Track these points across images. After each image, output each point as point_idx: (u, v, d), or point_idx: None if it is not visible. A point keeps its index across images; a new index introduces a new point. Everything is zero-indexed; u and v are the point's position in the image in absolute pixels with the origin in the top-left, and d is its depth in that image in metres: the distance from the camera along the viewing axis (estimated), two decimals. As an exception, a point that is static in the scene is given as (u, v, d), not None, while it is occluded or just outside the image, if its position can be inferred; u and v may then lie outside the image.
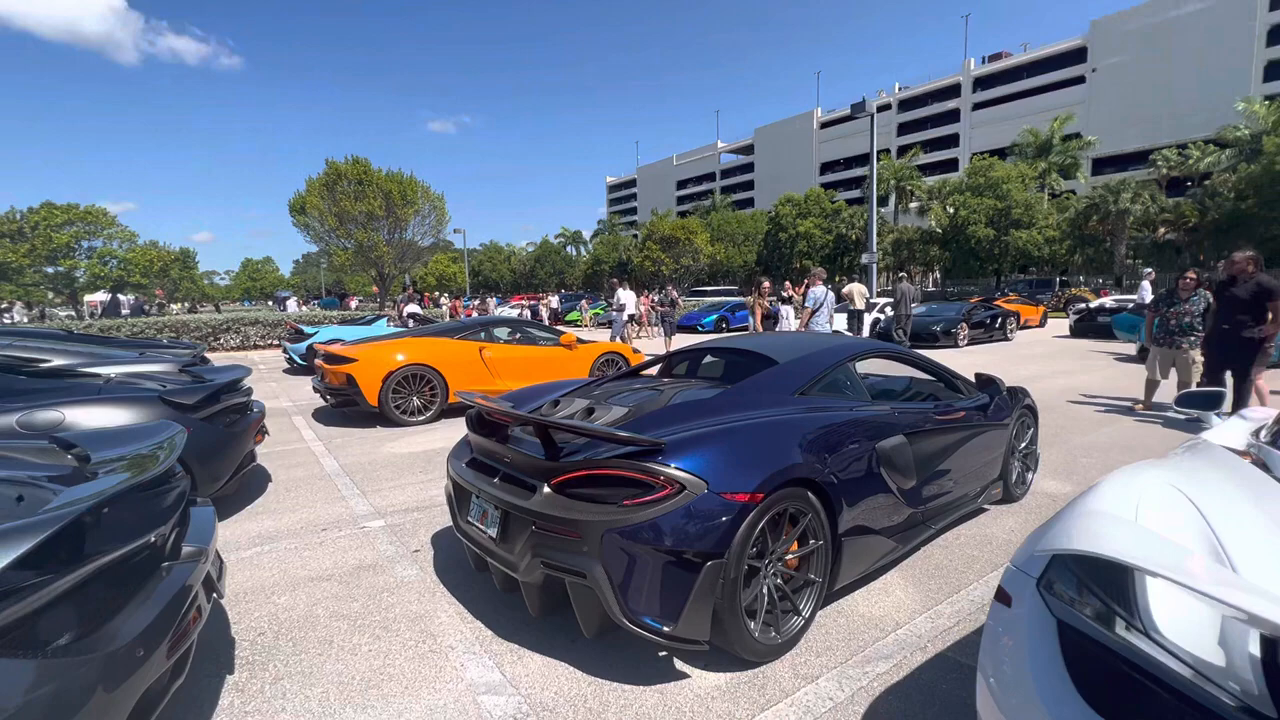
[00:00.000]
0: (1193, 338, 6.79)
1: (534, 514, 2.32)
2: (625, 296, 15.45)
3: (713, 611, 2.17)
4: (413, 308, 17.45)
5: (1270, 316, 5.82)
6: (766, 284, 10.89)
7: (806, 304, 9.80)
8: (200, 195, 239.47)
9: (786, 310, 10.98)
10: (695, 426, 2.51)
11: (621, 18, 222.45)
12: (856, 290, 14.01)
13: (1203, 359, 6.51)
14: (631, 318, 16.45)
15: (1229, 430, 2.41)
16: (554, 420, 2.52)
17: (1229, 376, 6.11)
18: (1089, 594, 1.24)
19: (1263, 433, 2.20)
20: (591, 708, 2.14)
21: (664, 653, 2.43)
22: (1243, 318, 5.93)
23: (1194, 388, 5.37)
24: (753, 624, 2.30)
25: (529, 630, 2.62)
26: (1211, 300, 6.56)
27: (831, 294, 10.01)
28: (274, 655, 2.50)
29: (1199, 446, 2.18)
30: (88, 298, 42.41)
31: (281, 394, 9.41)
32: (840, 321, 12.51)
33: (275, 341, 17.47)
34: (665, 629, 2.13)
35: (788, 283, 12.58)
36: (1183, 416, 6.45)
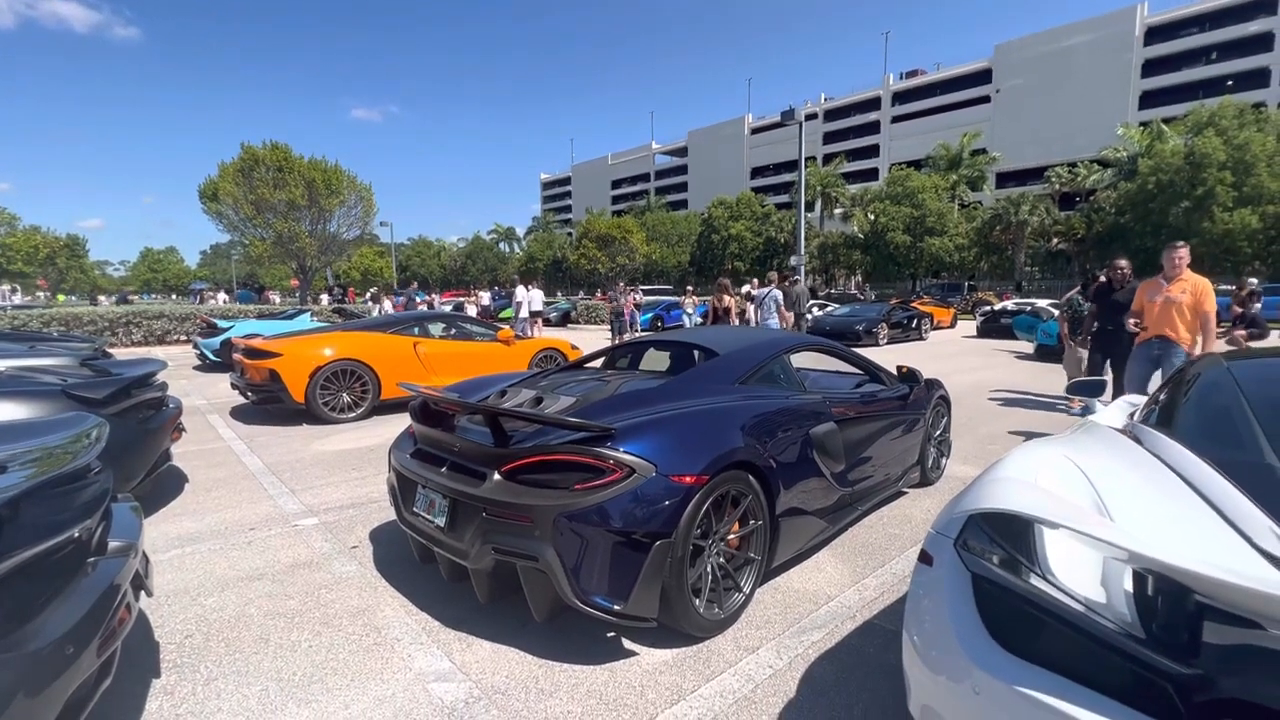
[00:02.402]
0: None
1: (485, 501, 2.33)
2: (522, 294, 15.76)
3: (660, 590, 2.27)
4: (386, 303, 17.31)
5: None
6: (727, 283, 11.60)
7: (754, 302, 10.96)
8: (90, 178, 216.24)
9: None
10: (642, 413, 2.59)
11: (554, 13, 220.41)
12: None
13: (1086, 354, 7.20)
14: (536, 314, 16.91)
15: (1111, 413, 2.74)
16: (505, 408, 2.54)
17: (1109, 369, 6.79)
18: (997, 546, 1.42)
19: (1136, 414, 2.53)
20: (543, 688, 2.19)
21: (612, 633, 2.50)
22: (1121, 319, 6.61)
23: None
24: (698, 601, 2.41)
25: (477, 619, 2.62)
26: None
27: (778, 291, 10.69)
28: (205, 657, 2.39)
29: (1087, 426, 2.48)
30: None
31: (194, 391, 8.79)
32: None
33: (183, 336, 16.23)
34: (616, 608, 2.20)
35: (755, 280, 13.21)
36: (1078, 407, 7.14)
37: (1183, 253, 5.36)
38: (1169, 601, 1.18)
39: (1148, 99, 50.14)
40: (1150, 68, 50.74)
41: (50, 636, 1.49)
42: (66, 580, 1.66)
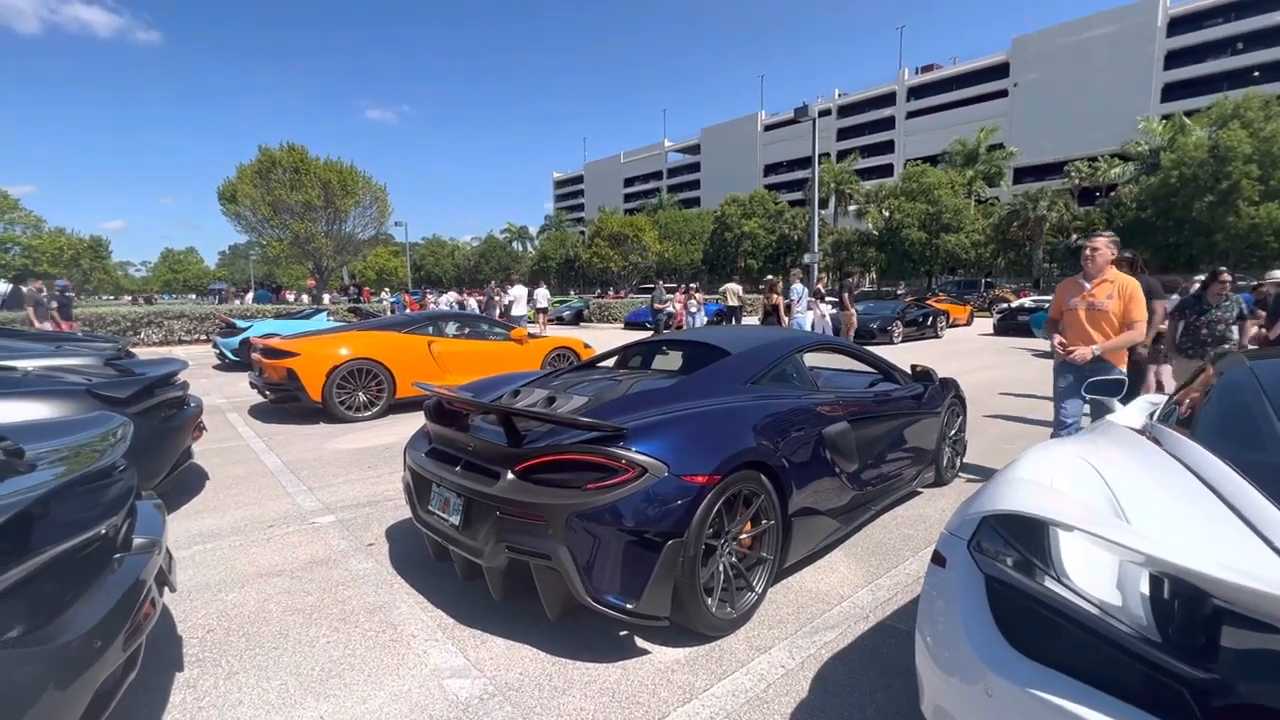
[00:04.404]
0: (1225, 347, 5.57)
1: (498, 500, 2.36)
2: (515, 292, 16.49)
3: (673, 589, 2.28)
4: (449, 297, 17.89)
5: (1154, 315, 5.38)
6: (776, 281, 12.50)
7: (791, 297, 12.24)
8: (111, 180, 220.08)
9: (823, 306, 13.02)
10: (654, 413, 2.60)
11: (567, 13, 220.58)
12: (731, 290, 16.05)
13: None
14: (542, 311, 17.75)
15: (1129, 413, 2.71)
16: (518, 408, 2.56)
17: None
18: (1011, 549, 1.41)
19: (1155, 414, 2.50)
20: (556, 685, 2.21)
21: (625, 631, 2.51)
22: None
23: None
24: (710, 600, 2.41)
25: (491, 616, 2.65)
26: (1243, 307, 5.82)
27: (803, 288, 11.30)
28: (226, 651, 2.44)
29: (1103, 427, 2.45)
30: None
31: (214, 390, 8.94)
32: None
33: (202, 336, 16.51)
34: (628, 607, 2.21)
35: (794, 272, 13.63)
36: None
37: (1100, 244, 4.16)
38: (1186, 605, 1.17)
39: (1170, 91, 49.17)
40: (1173, 59, 49.75)
41: (79, 630, 1.54)
42: (94, 576, 1.71)
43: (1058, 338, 4.22)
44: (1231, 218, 27.93)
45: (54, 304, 11.60)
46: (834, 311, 13.33)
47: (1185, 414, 2.17)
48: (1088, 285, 4.18)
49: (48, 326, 11.06)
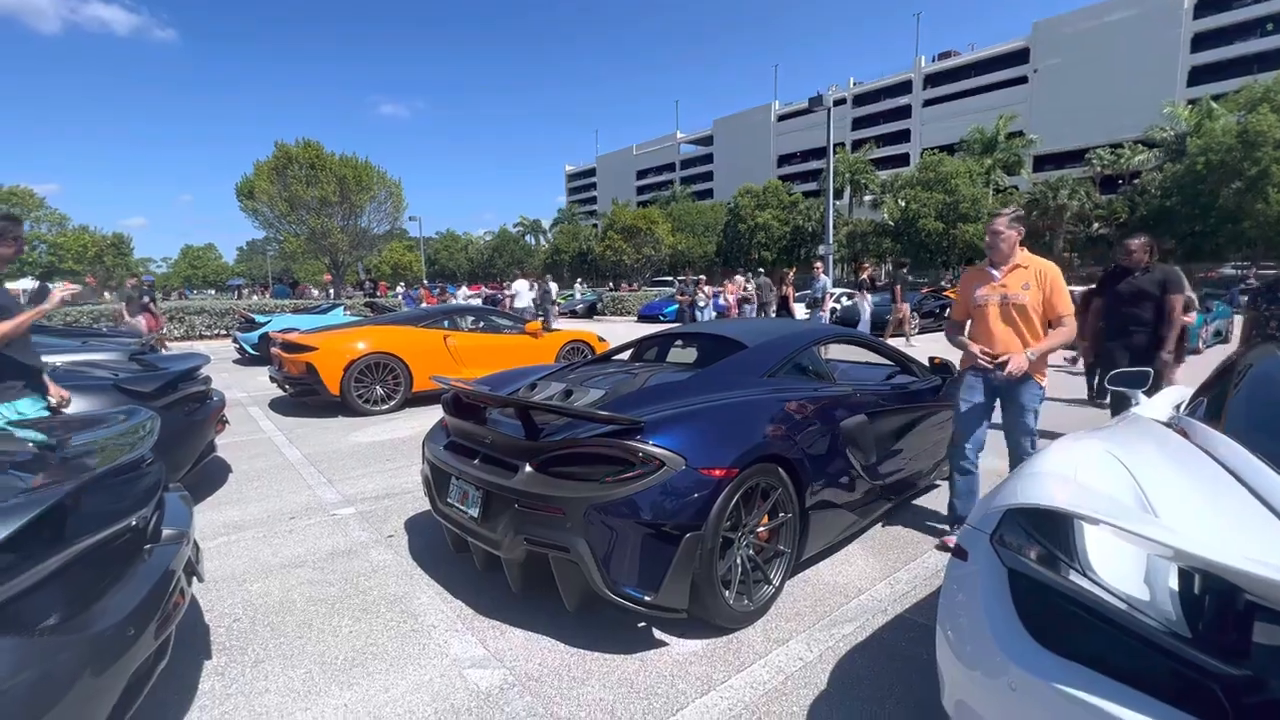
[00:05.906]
0: None
1: (517, 493, 2.38)
2: (519, 286, 16.92)
3: (691, 581, 2.28)
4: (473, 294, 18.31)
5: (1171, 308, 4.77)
6: (787, 273, 12.88)
7: (816, 292, 12.54)
8: (133, 178, 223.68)
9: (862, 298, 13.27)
10: (672, 406, 2.60)
11: (578, 4, 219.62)
12: (737, 283, 16.84)
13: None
14: (554, 306, 18.24)
15: (1154, 405, 2.66)
16: (536, 401, 2.58)
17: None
18: (1035, 542, 1.39)
19: (1182, 407, 2.45)
20: (575, 676, 2.23)
21: (643, 623, 2.53)
22: (1118, 317, 4.98)
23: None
24: (728, 593, 2.42)
25: (510, 607, 2.68)
26: None
27: (828, 280, 11.49)
28: (252, 640, 2.50)
29: (1129, 419, 2.41)
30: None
31: (235, 384, 9.09)
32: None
33: (223, 331, 16.78)
34: (646, 599, 2.23)
35: (817, 265, 13.46)
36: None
37: (1000, 225, 3.23)
38: (1216, 600, 1.15)
39: (1197, 75, 47.81)
40: (1200, 42, 48.34)
41: (113, 619, 1.58)
42: (126, 566, 1.75)
43: (978, 346, 3.31)
44: (1260, 204, 27.18)
45: (145, 299, 11.88)
46: (878, 302, 13.32)
47: (1214, 406, 2.13)
48: (997, 274, 3.30)
49: (139, 323, 11.27)
